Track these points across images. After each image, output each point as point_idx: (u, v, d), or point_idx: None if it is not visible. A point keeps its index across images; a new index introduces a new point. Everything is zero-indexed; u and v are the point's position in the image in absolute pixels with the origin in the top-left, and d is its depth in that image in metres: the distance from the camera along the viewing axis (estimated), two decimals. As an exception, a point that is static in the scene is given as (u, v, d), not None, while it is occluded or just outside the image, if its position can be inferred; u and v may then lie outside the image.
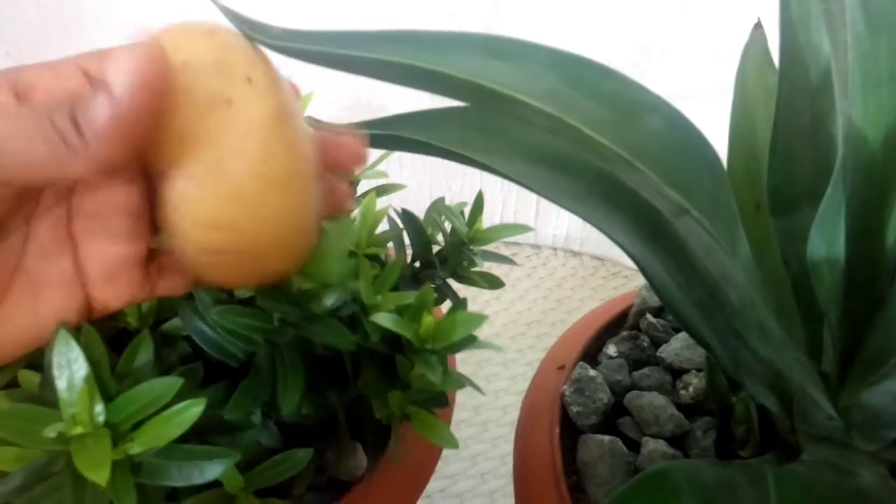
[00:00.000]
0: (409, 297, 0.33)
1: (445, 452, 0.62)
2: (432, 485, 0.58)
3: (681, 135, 0.24)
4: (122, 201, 0.24)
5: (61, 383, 0.22)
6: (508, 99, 0.20)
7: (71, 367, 0.22)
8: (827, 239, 0.28)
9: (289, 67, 0.24)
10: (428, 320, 0.32)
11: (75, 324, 0.24)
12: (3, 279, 0.23)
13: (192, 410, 0.23)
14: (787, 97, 0.30)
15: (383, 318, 0.32)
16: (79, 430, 0.21)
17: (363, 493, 0.36)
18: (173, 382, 0.23)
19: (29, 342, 0.23)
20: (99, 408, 0.22)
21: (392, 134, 0.30)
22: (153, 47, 0.20)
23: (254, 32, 0.22)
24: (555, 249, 0.85)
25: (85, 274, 0.24)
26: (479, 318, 0.32)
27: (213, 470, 0.24)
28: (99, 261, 0.24)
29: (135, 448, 0.22)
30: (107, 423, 0.22)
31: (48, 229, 0.24)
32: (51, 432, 0.21)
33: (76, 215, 0.24)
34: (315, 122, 0.28)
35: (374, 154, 0.46)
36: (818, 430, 0.32)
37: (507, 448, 0.55)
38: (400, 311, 0.33)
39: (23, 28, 0.77)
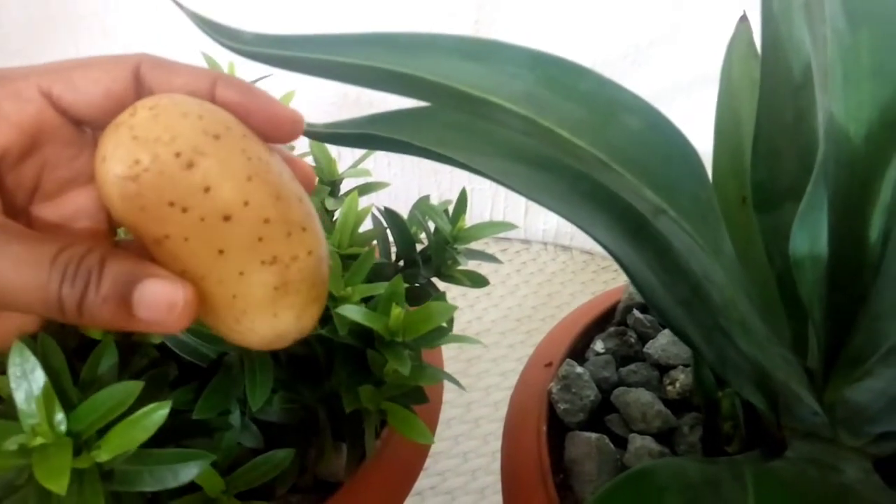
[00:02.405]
0: (379, 288, 0.33)
1: (436, 449, 0.62)
2: (422, 482, 0.58)
3: (660, 134, 0.24)
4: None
5: (19, 395, 0.22)
6: (482, 102, 0.19)
7: (28, 378, 0.22)
8: (809, 235, 0.28)
9: (270, 68, 0.24)
10: (397, 312, 0.32)
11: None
12: None
13: (158, 413, 0.22)
14: (770, 92, 0.30)
15: (350, 311, 0.31)
16: (39, 440, 0.21)
17: (348, 493, 0.36)
18: (134, 385, 0.23)
19: None
20: (59, 416, 0.22)
21: (372, 133, 0.29)
22: (192, 292, 0.20)
23: (224, 39, 0.21)
24: (545, 244, 0.85)
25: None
26: (450, 309, 0.32)
27: (187, 472, 0.24)
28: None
29: (102, 455, 0.22)
30: (69, 432, 0.22)
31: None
32: (12, 445, 0.21)
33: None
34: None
35: (357, 153, 0.46)
36: (803, 426, 0.32)
37: (498, 444, 0.55)
38: (374, 305, 0.33)
39: (8, 26, 0.76)
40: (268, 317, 0.21)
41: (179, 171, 0.19)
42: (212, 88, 0.22)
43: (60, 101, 0.21)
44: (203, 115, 0.20)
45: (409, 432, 0.34)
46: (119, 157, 0.19)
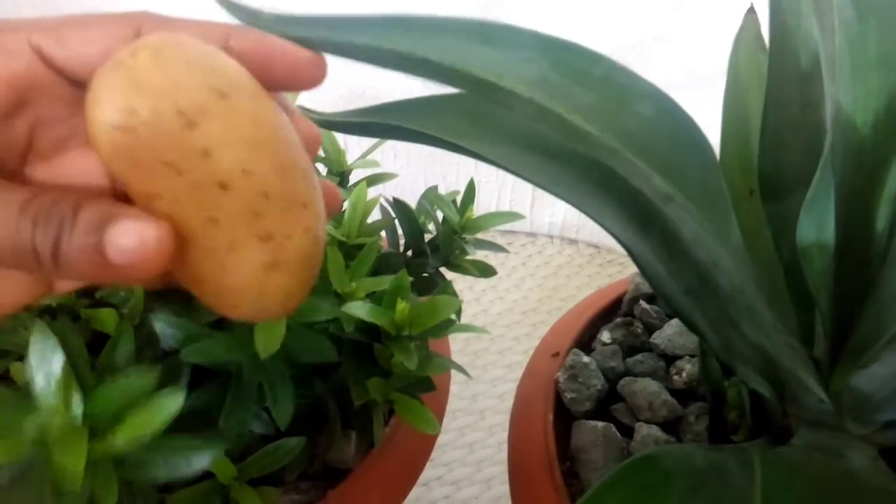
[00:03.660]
0: (384, 282, 0.33)
1: (442, 440, 0.62)
2: (429, 472, 0.59)
3: (671, 121, 0.24)
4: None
5: (39, 376, 0.22)
6: (494, 87, 0.20)
7: (48, 359, 0.22)
8: (816, 224, 0.28)
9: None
10: (402, 307, 0.32)
11: None
12: None
13: (174, 399, 0.22)
14: (777, 83, 0.30)
15: (356, 308, 0.31)
16: (56, 420, 0.21)
17: (356, 481, 0.36)
18: (151, 372, 0.23)
19: None
20: (77, 399, 0.22)
21: (382, 122, 0.30)
22: (167, 231, 0.18)
23: (244, 18, 0.22)
24: (551, 237, 0.85)
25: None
26: (456, 303, 0.32)
27: (200, 460, 0.24)
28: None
29: (117, 441, 0.22)
30: (85, 415, 0.22)
31: None
32: (30, 424, 0.21)
33: None
34: (304, 110, 0.28)
35: (366, 143, 0.46)
36: (810, 415, 0.33)
37: (504, 436, 0.55)
38: (379, 299, 0.33)
39: (14, 14, 0.77)
40: (253, 294, 0.20)
41: (179, 131, 0.17)
42: (225, 42, 0.20)
43: (52, 58, 0.20)
44: (213, 69, 0.18)
45: (417, 422, 0.34)
46: (114, 104, 0.17)
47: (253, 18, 0.22)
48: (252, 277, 0.19)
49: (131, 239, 0.17)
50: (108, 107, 0.17)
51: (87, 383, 0.24)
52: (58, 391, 0.22)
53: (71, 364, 0.22)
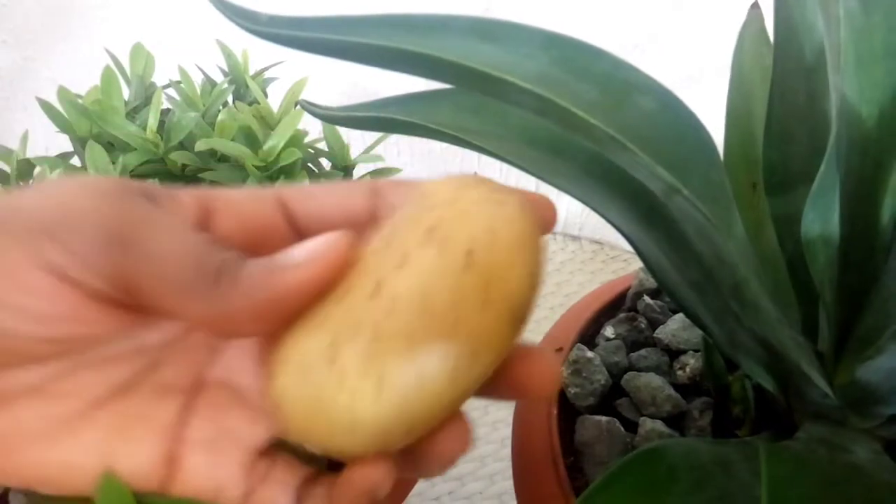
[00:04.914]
0: None
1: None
2: (441, 486, 0.59)
3: (673, 115, 0.24)
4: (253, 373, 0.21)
5: None
6: (499, 81, 0.20)
7: None
8: (821, 217, 0.28)
9: (283, 53, 0.24)
10: None
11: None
12: (102, 398, 0.20)
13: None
14: (782, 75, 0.30)
15: None
16: None
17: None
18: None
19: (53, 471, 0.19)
20: None
21: (386, 116, 0.30)
22: (347, 240, 0.18)
23: (241, 20, 0.22)
24: (553, 234, 0.85)
25: (186, 427, 0.20)
26: None
27: None
28: (210, 421, 0.21)
29: None
30: None
31: (178, 363, 0.21)
32: None
33: (216, 364, 0.21)
34: (308, 105, 0.28)
35: (370, 138, 0.46)
36: (814, 409, 0.33)
37: (507, 432, 0.55)
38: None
39: (20, 17, 0.77)
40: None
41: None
42: None
43: (295, 212, 0.21)
44: None
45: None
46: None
47: (250, 20, 0.22)
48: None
49: (314, 242, 0.17)
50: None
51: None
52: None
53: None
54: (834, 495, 0.24)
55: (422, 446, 0.18)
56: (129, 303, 0.18)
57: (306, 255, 0.17)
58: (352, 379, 0.16)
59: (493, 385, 0.18)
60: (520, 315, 0.17)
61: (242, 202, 0.20)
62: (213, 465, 0.20)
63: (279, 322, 0.18)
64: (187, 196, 0.20)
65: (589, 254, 0.82)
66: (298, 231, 0.21)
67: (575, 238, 0.84)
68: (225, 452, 0.20)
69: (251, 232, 0.20)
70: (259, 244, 0.20)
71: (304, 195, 0.21)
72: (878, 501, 0.25)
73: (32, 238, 0.17)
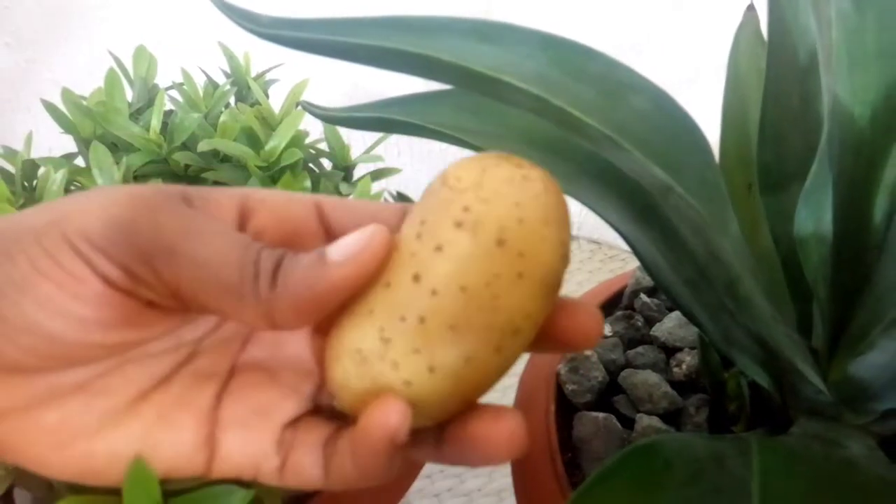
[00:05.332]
0: None
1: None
2: (440, 483, 0.59)
3: (667, 115, 0.24)
4: (295, 354, 0.22)
5: None
6: (496, 81, 0.20)
7: None
8: (814, 215, 0.28)
9: (284, 55, 0.24)
10: None
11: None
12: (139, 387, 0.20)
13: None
14: (776, 77, 0.30)
15: None
16: None
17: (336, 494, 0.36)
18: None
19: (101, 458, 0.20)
20: None
21: (387, 117, 0.30)
22: (385, 233, 0.18)
23: (242, 21, 0.22)
24: (553, 233, 0.85)
25: (221, 409, 0.21)
26: None
27: None
28: (243, 403, 0.21)
29: None
30: None
31: (215, 351, 0.22)
32: None
33: (249, 348, 0.22)
34: (309, 106, 0.29)
35: (370, 138, 0.47)
36: (808, 405, 0.33)
37: (507, 429, 0.55)
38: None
39: (22, 19, 0.77)
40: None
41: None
42: None
43: (329, 216, 0.22)
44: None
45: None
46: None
47: (252, 21, 0.22)
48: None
49: (353, 237, 0.18)
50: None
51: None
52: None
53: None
54: (827, 488, 0.25)
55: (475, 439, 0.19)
56: (176, 307, 0.19)
57: (348, 251, 0.18)
58: (405, 365, 0.17)
59: (539, 340, 0.19)
60: (553, 284, 0.18)
61: (280, 203, 0.21)
62: (249, 443, 0.21)
63: (325, 315, 0.18)
64: (225, 197, 0.20)
65: (587, 253, 0.83)
66: (332, 237, 0.21)
67: (573, 238, 0.85)
68: (259, 429, 0.21)
69: (287, 233, 0.21)
70: (294, 245, 0.21)
71: (340, 203, 0.21)
72: (872, 494, 0.25)
73: (84, 247, 0.18)
